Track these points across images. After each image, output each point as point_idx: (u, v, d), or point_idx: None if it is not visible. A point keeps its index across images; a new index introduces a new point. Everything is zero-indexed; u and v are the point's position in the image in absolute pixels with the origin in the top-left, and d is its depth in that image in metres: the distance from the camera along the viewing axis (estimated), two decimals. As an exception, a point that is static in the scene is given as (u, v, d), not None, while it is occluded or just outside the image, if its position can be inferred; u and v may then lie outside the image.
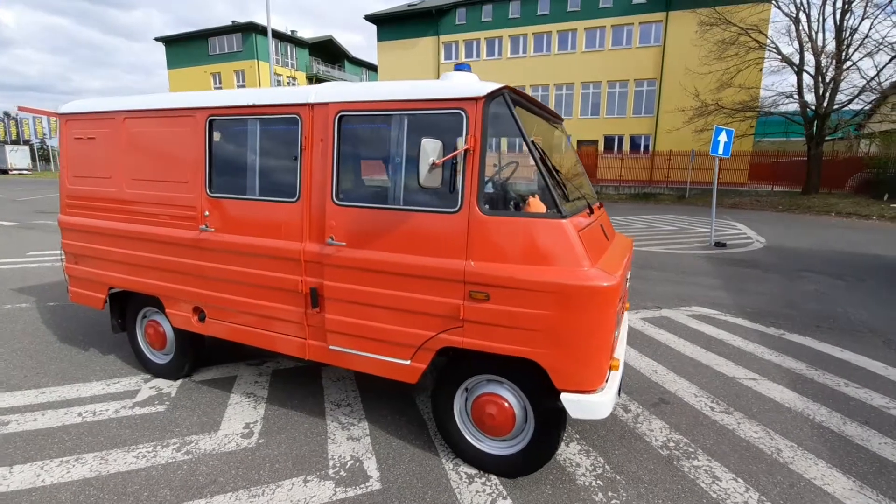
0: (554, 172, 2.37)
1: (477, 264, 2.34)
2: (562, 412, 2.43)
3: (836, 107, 18.61)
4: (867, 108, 19.61)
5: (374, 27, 34.00)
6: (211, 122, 3.04)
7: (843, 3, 16.82)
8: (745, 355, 4.41)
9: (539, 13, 28.65)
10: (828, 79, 17.98)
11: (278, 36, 37.64)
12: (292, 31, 39.66)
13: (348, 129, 2.62)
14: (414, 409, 3.36)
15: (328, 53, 43.37)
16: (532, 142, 2.33)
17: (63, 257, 4.01)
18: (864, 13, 16.89)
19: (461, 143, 2.34)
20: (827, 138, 19.53)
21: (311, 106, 2.68)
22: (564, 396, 2.30)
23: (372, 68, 48.99)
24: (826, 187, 21.14)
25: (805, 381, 3.89)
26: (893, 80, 17.98)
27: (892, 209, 16.10)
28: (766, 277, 7.56)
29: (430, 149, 2.19)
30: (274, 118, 2.84)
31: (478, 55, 31.39)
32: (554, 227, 2.26)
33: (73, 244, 3.79)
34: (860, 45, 17.08)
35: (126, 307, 3.85)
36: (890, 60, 16.96)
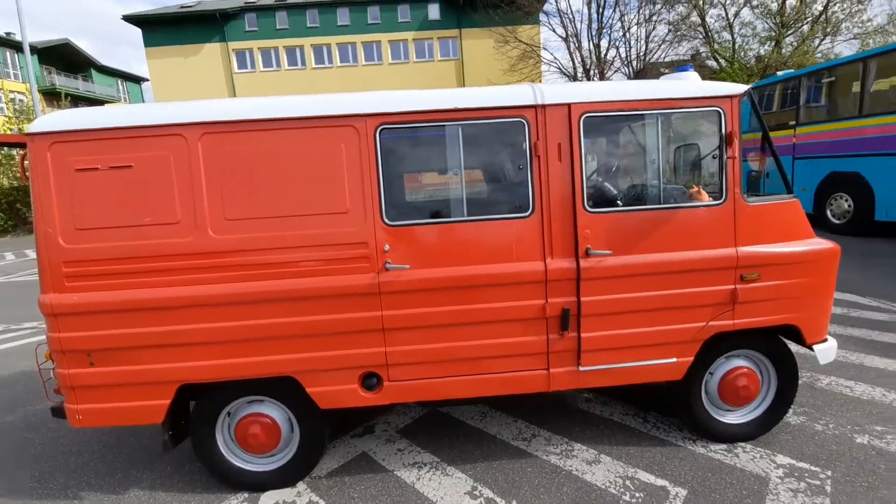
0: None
1: (746, 249, 2.50)
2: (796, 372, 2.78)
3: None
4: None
5: (111, 31, 28.61)
6: (381, 131, 2.38)
7: (598, 28, 21.74)
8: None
9: (340, 23, 28.51)
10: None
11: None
12: (7, 34, 30.11)
13: (591, 131, 2.44)
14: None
15: (66, 61, 34.37)
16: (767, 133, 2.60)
17: (49, 362, 2.51)
18: (611, 41, 22.20)
19: (704, 140, 2.46)
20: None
21: (544, 107, 2.39)
22: (816, 347, 2.67)
23: (130, 78, 40.93)
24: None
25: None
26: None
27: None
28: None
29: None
30: (484, 123, 2.42)
31: (278, 64, 29.49)
32: (796, 206, 2.60)
33: (89, 336, 2.41)
34: (610, 65, 22.34)
35: (187, 409, 2.66)
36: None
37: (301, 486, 2.75)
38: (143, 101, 39.24)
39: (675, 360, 2.59)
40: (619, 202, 2.53)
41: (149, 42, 28.91)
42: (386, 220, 2.41)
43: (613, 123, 2.52)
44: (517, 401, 3.46)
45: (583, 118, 2.40)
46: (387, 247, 2.42)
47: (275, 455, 2.74)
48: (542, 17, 23.58)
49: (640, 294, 2.49)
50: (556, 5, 22.58)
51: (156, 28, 28.50)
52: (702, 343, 2.59)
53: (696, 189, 2.87)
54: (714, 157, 2.47)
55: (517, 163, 2.44)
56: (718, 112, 2.45)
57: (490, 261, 2.45)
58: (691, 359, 2.61)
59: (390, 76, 28.71)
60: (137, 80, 41.61)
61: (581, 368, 2.57)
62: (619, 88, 2.44)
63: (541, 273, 2.45)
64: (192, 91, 28.06)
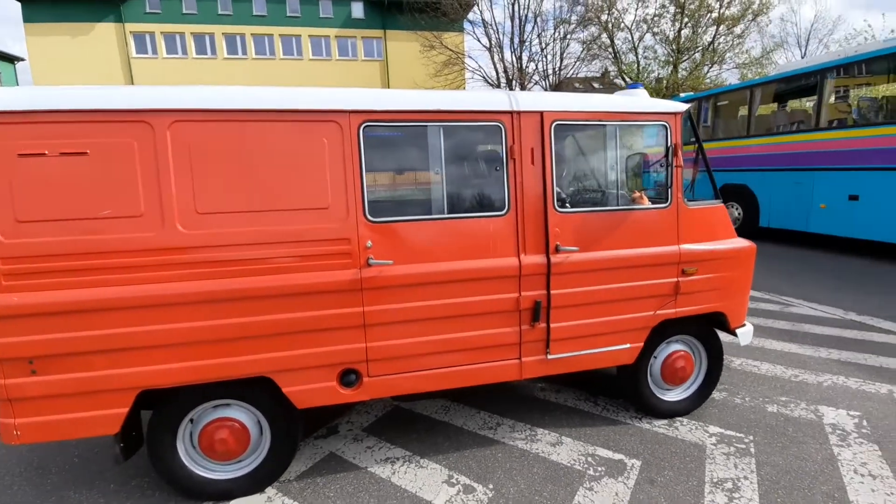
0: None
1: (686, 246, 2.87)
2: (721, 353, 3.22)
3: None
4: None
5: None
6: (365, 128, 2.40)
7: (520, 41, 22.84)
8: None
9: (255, 13, 27.01)
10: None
11: None
12: None
13: (560, 138, 2.65)
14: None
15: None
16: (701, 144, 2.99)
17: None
18: (530, 54, 23.43)
19: (650, 150, 2.80)
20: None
21: (518, 114, 2.56)
22: (739, 331, 3.12)
23: (2, 58, 35.40)
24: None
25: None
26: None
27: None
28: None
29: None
30: (464, 126, 2.53)
31: (185, 52, 27.22)
32: (722, 210, 3.02)
33: (32, 341, 2.14)
34: (530, 77, 23.57)
35: (139, 417, 2.46)
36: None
37: (271, 490, 2.66)
38: (18, 84, 34.26)
39: (629, 345, 2.89)
40: (569, 204, 2.77)
41: (29, 17, 25.28)
42: (369, 217, 2.43)
43: (578, 131, 2.76)
44: (477, 393, 3.61)
45: (554, 125, 2.61)
46: (369, 243, 2.44)
47: (242, 461, 2.62)
48: (466, 25, 24.29)
49: (602, 287, 2.75)
50: (481, 15, 23.39)
51: (38, 2, 25.02)
52: (650, 330, 2.92)
53: (638, 194, 3.21)
54: (661, 166, 2.80)
55: (494, 164, 2.58)
56: (665, 126, 2.79)
57: (469, 256, 2.57)
58: (641, 344, 2.92)
59: (311, 72, 27.77)
60: (11, 59, 36.17)
61: (549, 357, 2.77)
62: (586, 100, 2.68)
63: (515, 268, 2.61)
64: (80, 74, 24.96)
